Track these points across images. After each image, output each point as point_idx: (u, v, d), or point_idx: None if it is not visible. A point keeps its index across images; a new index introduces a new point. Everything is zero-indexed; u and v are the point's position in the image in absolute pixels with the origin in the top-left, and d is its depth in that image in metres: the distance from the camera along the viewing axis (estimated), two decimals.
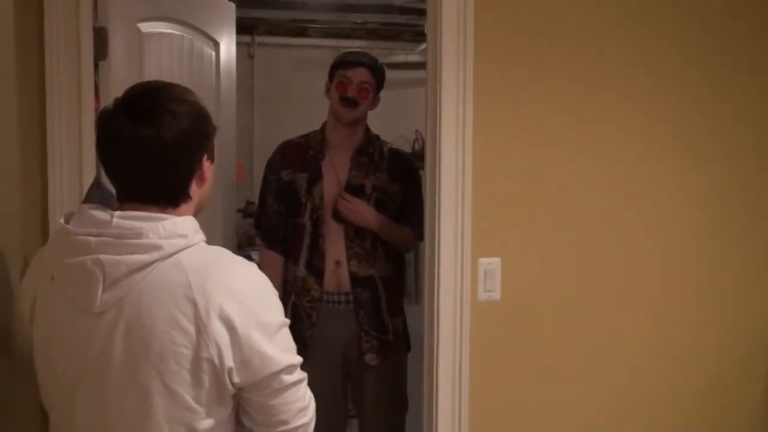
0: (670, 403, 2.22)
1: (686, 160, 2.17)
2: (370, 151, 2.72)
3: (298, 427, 1.38)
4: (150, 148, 1.28)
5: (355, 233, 2.64)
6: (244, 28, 4.21)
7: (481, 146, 2.04)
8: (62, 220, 1.34)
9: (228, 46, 2.90)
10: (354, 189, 2.65)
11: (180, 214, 1.34)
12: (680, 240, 2.19)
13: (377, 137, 2.78)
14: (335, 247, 2.64)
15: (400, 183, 2.71)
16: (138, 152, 1.29)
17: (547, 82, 2.07)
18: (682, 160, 2.17)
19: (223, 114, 2.83)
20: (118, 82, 2.02)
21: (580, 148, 2.11)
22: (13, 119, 1.77)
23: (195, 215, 1.39)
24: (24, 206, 1.84)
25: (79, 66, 1.95)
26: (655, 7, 2.10)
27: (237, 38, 3.03)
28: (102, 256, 1.25)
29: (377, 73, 2.71)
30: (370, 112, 2.75)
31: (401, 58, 4.73)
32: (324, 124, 2.76)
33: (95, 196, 1.52)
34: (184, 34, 2.58)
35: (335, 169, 2.67)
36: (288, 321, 1.39)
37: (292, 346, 1.39)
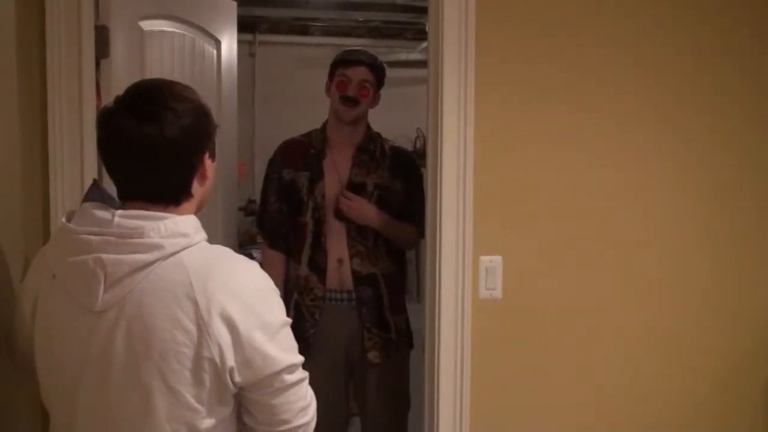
0: (671, 403, 2.22)
1: (689, 160, 2.17)
2: (371, 149, 2.72)
3: (299, 426, 1.38)
4: (152, 146, 1.28)
5: (357, 231, 2.64)
6: (245, 26, 4.21)
7: (482, 144, 2.04)
8: (64, 219, 1.34)
9: (229, 45, 2.90)
10: (356, 187, 2.65)
11: (181, 213, 1.34)
12: (682, 239, 2.19)
13: (378, 135, 2.78)
14: (337, 245, 2.65)
15: (401, 180, 2.71)
16: (140, 150, 1.28)
17: (549, 80, 2.07)
18: (685, 159, 2.16)
19: (225, 112, 2.83)
20: (120, 81, 2.02)
21: (583, 146, 2.10)
22: (14, 118, 1.77)
23: (196, 213, 1.39)
24: (25, 205, 1.83)
25: (81, 64, 1.95)
26: (656, 6, 2.10)
27: (238, 36, 3.03)
28: (104, 255, 1.25)
29: (377, 70, 2.71)
30: (372, 111, 2.74)
31: (402, 56, 4.73)
32: (325, 123, 2.76)
33: (94, 197, 1.51)
34: (186, 33, 2.58)
35: (337, 168, 2.67)
36: (290, 320, 1.39)
37: (293, 345, 1.39)
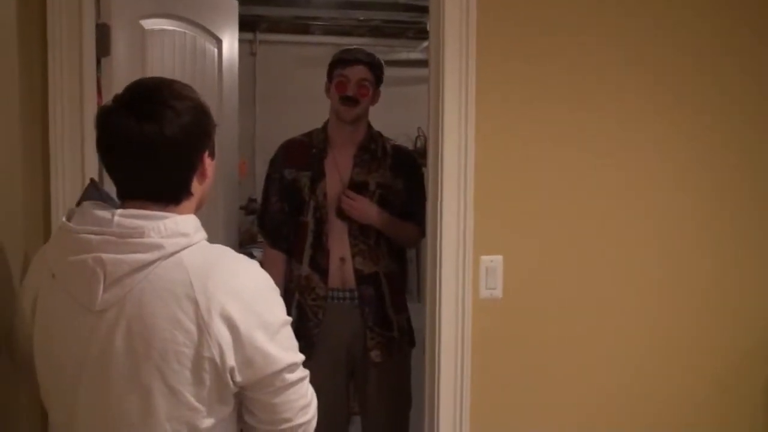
0: (671, 403, 2.22)
1: (689, 159, 2.17)
2: (372, 148, 2.72)
3: (300, 425, 1.38)
4: (152, 144, 1.28)
5: (359, 230, 2.65)
6: (246, 25, 4.21)
7: (483, 144, 2.04)
8: (64, 218, 1.34)
9: (230, 43, 2.90)
10: (357, 186, 2.65)
11: (181, 211, 1.34)
12: (682, 238, 2.19)
13: (379, 134, 2.78)
14: (339, 244, 2.65)
15: (403, 179, 2.72)
16: (140, 149, 1.28)
17: (550, 79, 2.07)
18: (686, 158, 2.16)
19: (225, 111, 2.82)
20: (121, 79, 2.02)
21: (584, 145, 2.11)
22: (15, 116, 1.77)
23: (196, 212, 1.39)
24: (25, 204, 1.84)
25: (82, 63, 1.95)
26: (656, 5, 2.10)
27: (239, 35, 3.03)
28: (103, 255, 1.25)
29: (375, 68, 2.71)
30: (373, 111, 2.74)
31: (404, 55, 4.73)
32: (326, 122, 2.76)
33: (92, 196, 1.51)
34: (187, 31, 2.58)
35: (338, 167, 2.68)
36: (290, 319, 1.39)
37: (293, 344, 1.39)
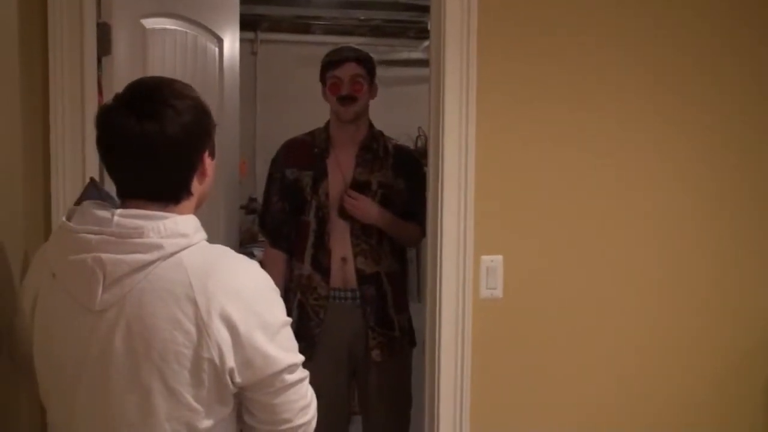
0: (671, 403, 2.22)
1: (690, 159, 2.17)
2: (374, 147, 2.72)
3: (300, 426, 1.37)
4: (153, 144, 1.27)
5: (361, 230, 2.65)
6: (247, 24, 4.21)
7: (484, 143, 2.04)
8: (64, 218, 1.33)
9: (231, 43, 2.90)
10: (360, 186, 2.65)
11: (181, 211, 1.34)
12: (682, 239, 2.19)
13: (381, 134, 2.78)
14: (341, 244, 2.65)
15: (405, 179, 2.72)
16: (140, 148, 1.28)
17: (551, 79, 2.07)
18: (686, 158, 2.16)
19: (226, 110, 2.82)
20: (122, 78, 2.01)
21: (584, 145, 2.10)
22: (16, 115, 1.77)
23: (195, 211, 1.38)
24: (26, 203, 1.84)
25: (83, 62, 1.95)
26: (657, 5, 2.10)
27: (240, 35, 3.03)
28: (103, 255, 1.24)
29: (365, 62, 2.69)
30: (373, 111, 2.74)
31: (404, 55, 4.73)
32: (328, 122, 2.76)
33: (92, 196, 1.51)
34: (188, 31, 2.58)
35: (340, 167, 2.68)
36: (290, 320, 1.38)
37: (293, 345, 1.38)
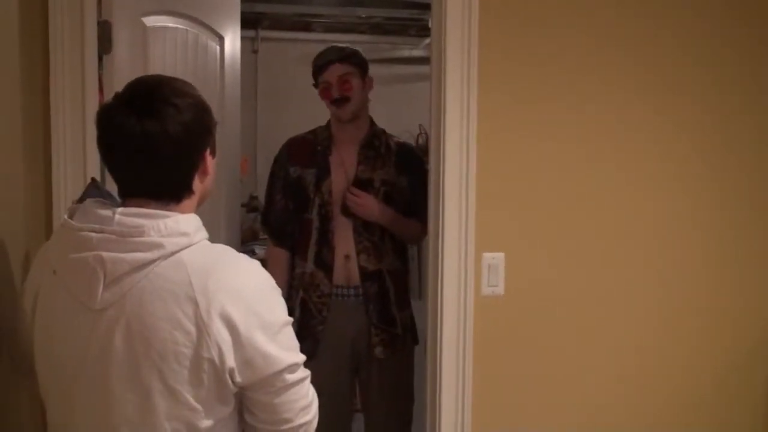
0: (671, 402, 2.22)
1: (690, 159, 2.17)
2: (376, 145, 2.72)
3: (301, 425, 1.37)
4: (155, 142, 1.27)
5: (364, 227, 2.65)
6: (248, 22, 4.20)
7: (485, 141, 2.04)
8: (66, 216, 1.33)
9: (232, 41, 2.89)
10: (362, 183, 2.66)
11: (182, 209, 1.33)
12: (683, 238, 2.19)
13: (383, 131, 2.78)
14: (344, 241, 2.65)
15: (408, 176, 2.72)
16: (142, 147, 1.27)
17: (552, 78, 2.07)
18: (687, 157, 2.16)
19: (227, 108, 2.82)
20: (122, 77, 2.01)
21: (585, 144, 2.11)
22: (17, 113, 1.77)
23: (197, 209, 1.38)
24: (27, 201, 1.84)
25: (83, 60, 1.95)
26: (658, 5, 2.10)
27: (241, 33, 3.03)
28: (104, 253, 1.24)
29: (351, 59, 2.68)
30: (375, 108, 2.74)
31: (405, 53, 4.72)
32: (330, 120, 2.76)
33: (93, 195, 1.51)
34: (189, 29, 2.57)
35: (343, 164, 2.68)
36: (291, 319, 1.38)
37: (294, 344, 1.38)
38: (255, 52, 4.67)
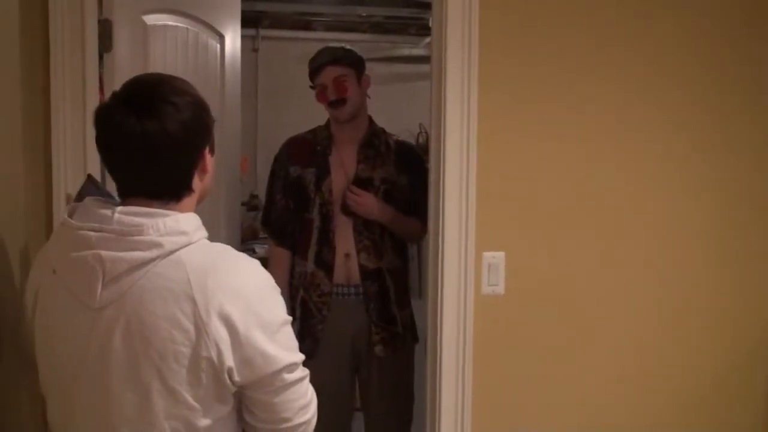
0: (671, 402, 2.22)
1: (691, 158, 2.17)
2: (375, 143, 2.73)
3: (300, 424, 1.37)
4: (154, 141, 1.27)
5: (364, 226, 2.65)
6: (248, 21, 4.19)
7: (485, 140, 2.04)
8: (66, 215, 1.33)
9: (233, 39, 2.89)
10: (362, 182, 2.66)
11: (182, 208, 1.33)
12: (683, 237, 2.19)
13: (383, 130, 2.79)
14: (344, 240, 2.66)
15: (407, 175, 2.72)
16: (142, 146, 1.27)
17: (552, 78, 2.07)
18: (687, 157, 2.16)
19: (228, 107, 2.82)
20: (123, 75, 2.00)
21: (585, 143, 2.11)
22: (17, 112, 1.77)
23: (196, 207, 1.38)
24: (28, 200, 1.84)
25: (84, 58, 1.95)
26: (658, 5, 2.10)
27: (241, 31, 3.03)
28: (102, 252, 1.24)
29: (345, 59, 2.67)
30: (375, 107, 2.74)
31: (406, 52, 4.72)
32: (329, 120, 2.76)
33: (90, 192, 1.51)
34: (189, 27, 2.57)
35: (343, 164, 2.68)
36: (290, 318, 1.38)
37: (293, 343, 1.38)
38: (255, 50, 4.67)
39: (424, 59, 3.80)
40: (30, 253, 1.71)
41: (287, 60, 4.60)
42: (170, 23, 2.46)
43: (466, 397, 2.08)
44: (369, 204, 2.63)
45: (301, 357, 1.38)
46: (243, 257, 1.37)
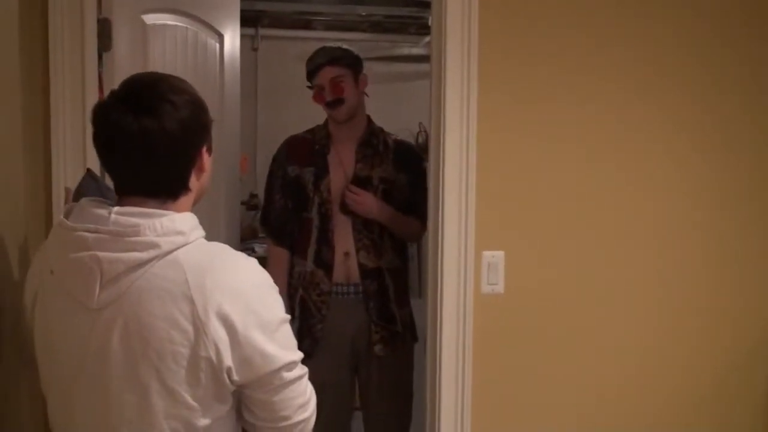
0: (671, 402, 2.22)
1: (690, 158, 2.16)
2: (374, 143, 2.73)
3: (299, 423, 1.37)
4: (152, 139, 1.26)
5: (363, 225, 2.66)
6: (247, 20, 4.20)
7: (485, 139, 2.04)
8: (62, 215, 1.33)
9: (232, 39, 2.89)
10: (361, 181, 2.66)
11: (179, 207, 1.33)
12: (683, 237, 2.18)
13: (381, 130, 2.79)
14: (344, 239, 2.66)
15: (406, 174, 2.72)
16: (140, 144, 1.26)
17: (552, 77, 2.07)
18: (687, 157, 2.16)
19: (227, 106, 2.82)
20: (122, 74, 1.99)
21: (585, 143, 2.10)
22: (17, 111, 1.76)
23: (194, 206, 1.38)
24: (28, 200, 1.83)
25: (83, 57, 1.95)
26: (658, 5, 2.10)
27: (241, 30, 3.02)
28: (100, 253, 1.24)
29: (342, 60, 2.67)
30: (375, 107, 2.74)
31: (405, 51, 4.72)
32: (327, 119, 2.76)
33: (90, 186, 1.51)
34: (189, 26, 2.57)
35: (342, 163, 2.68)
36: (288, 317, 1.38)
37: (292, 342, 1.38)
38: (255, 50, 4.67)
39: (424, 58, 3.80)
40: (30, 253, 1.71)
41: (287, 59, 4.60)
42: (169, 22, 2.46)
43: (466, 396, 2.08)
44: (368, 203, 2.63)
45: (300, 355, 1.38)
46: (241, 256, 1.36)
